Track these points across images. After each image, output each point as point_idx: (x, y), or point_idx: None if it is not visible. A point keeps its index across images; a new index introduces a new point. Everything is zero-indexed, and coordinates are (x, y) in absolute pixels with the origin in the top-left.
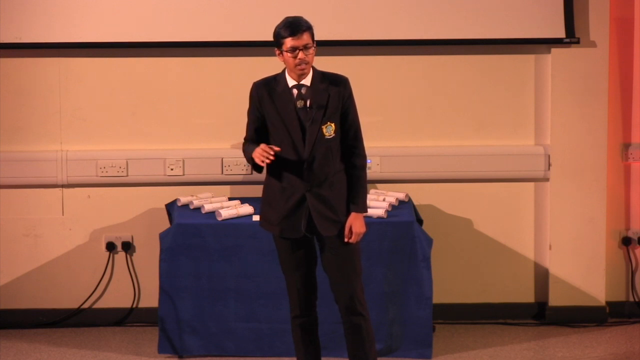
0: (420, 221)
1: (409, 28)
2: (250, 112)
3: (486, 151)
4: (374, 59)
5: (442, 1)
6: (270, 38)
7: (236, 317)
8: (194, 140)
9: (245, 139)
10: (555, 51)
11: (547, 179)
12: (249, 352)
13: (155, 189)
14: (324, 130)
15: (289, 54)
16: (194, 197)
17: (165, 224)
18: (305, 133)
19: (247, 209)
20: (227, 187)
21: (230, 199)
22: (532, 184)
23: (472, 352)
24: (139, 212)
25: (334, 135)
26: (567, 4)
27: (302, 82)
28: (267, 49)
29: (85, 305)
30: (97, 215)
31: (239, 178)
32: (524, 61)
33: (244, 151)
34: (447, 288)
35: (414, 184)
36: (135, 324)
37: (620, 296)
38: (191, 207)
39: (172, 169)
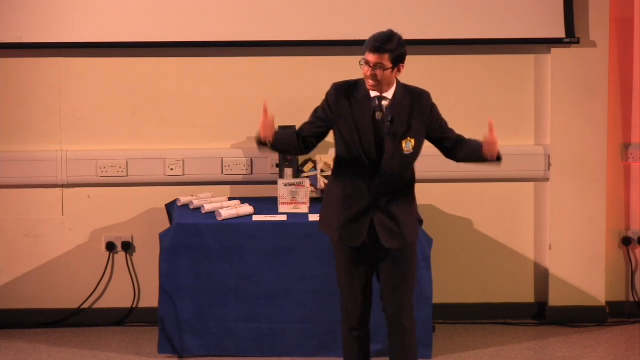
0: (420, 221)
1: (409, 28)
2: (317, 110)
3: None
4: None
5: (442, 1)
6: (269, 38)
7: (236, 317)
8: (194, 140)
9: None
10: (555, 51)
11: (547, 179)
12: (249, 352)
13: (155, 189)
14: (404, 145)
15: (363, 64)
16: (194, 197)
17: (165, 224)
18: (380, 145)
19: (247, 209)
20: (227, 187)
21: (230, 199)
22: (532, 184)
23: (472, 352)
24: (139, 212)
25: (412, 151)
26: (567, 4)
27: (385, 94)
28: (268, 49)
29: (85, 305)
30: (97, 215)
31: (239, 178)
32: (524, 61)
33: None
34: (447, 288)
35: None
36: (135, 324)
37: (620, 296)
38: (191, 207)
39: (172, 169)
